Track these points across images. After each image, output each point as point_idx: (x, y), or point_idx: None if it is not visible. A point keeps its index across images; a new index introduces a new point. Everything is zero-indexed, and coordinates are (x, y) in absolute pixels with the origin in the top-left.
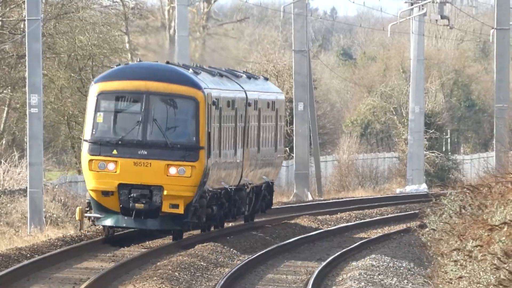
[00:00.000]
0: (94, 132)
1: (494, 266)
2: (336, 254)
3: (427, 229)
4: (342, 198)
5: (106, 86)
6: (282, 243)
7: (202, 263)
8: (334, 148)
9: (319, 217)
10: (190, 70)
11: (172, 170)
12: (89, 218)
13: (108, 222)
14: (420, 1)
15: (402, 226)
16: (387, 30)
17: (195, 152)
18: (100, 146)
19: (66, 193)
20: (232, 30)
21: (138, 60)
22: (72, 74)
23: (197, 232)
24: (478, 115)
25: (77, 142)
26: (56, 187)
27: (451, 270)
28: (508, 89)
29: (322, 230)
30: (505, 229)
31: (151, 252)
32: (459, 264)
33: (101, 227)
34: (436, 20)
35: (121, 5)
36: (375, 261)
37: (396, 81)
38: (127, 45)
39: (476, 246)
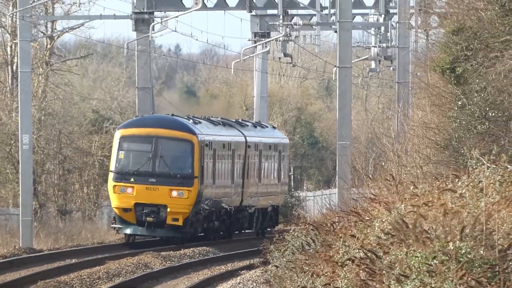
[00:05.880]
0: (117, 165)
1: None
2: None
3: (270, 266)
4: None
5: (126, 132)
6: (125, 279)
7: None
8: None
9: (163, 253)
10: (191, 120)
11: (174, 193)
12: (114, 228)
13: (128, 231)
14: (263, 39)
15: (246, 263)
16: (231, 68)
17: (191, 180)
18: (122, 175)
19: None
20: (75, 66)
21: (151, 113)
22: None
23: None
24: (321, 152)
25: None
26: None
27: None
28: (350, 126)
29: (165, 267)
30: (349, 265)
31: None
32: None
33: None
34: (279, 58)
35: None
36: None
37: (239, 118)
38: None
39: (325, 285)
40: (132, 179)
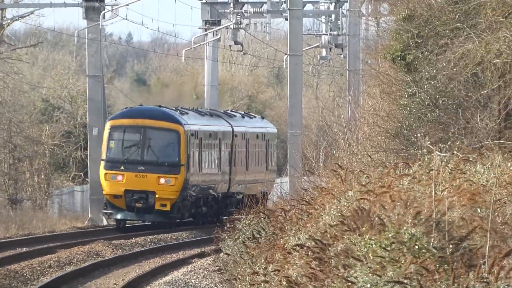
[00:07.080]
0: (108, 154)
1: None
2: (131, 279)
3: (222, 254)
4: (137, 222)
5: (116, 122)
6: (76, 268)
7: None
8: None
9: (114, 242)
10: (178, 111)
11: (162, 180)
12: (106, 213)
13: (118, 216)
14: (214, 27)
15: (197, 251)
16: (181, 56)
17: (177, 168)
18: (112, 163)
19: None
20: (25, 55)
21: (140, 104)
22: None
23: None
24: None
25: None
26: None
27: None
28: (301, 114)
29: (117, 255)
30: (300, 253)
31: None
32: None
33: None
34: (230, 46)
35: None
36: (169, 286)
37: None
38: None
39: (275, 271)
40: (122, 167)
